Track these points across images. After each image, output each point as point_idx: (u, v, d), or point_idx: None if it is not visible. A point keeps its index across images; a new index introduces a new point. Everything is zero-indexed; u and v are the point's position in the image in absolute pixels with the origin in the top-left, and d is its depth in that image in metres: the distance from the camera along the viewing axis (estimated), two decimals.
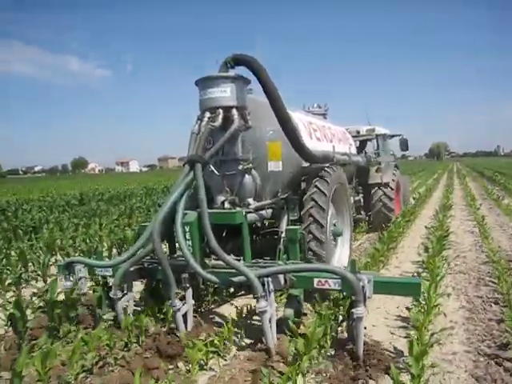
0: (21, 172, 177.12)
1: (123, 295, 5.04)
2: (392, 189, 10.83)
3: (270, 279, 4.36)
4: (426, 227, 10.46)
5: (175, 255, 5.59)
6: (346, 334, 4.56)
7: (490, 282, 6.48)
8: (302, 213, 6.14)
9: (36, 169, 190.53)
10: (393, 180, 10.94)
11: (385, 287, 4.32)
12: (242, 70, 5.70)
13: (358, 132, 12.06)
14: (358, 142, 11.87)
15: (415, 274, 6.64)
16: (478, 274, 6.97)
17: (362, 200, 10.72)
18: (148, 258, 5.29)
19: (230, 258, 4.66)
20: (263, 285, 4.28)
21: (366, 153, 12.10)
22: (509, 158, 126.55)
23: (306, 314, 5.21)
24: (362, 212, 11.07)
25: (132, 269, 5.11)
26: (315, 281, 4.42)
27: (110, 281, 5.45)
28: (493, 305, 5.55)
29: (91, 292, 5.61)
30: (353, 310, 4.00)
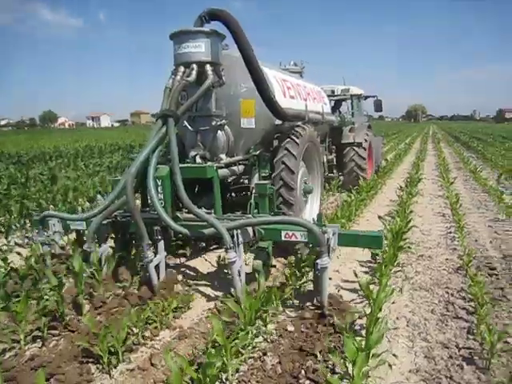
0: None
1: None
2: (365, 149, 11.01)
3: (239, 231, 4.53)
4: (380, 218, 7.12)
5: (147, 209, 5.68)
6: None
7: (463, 308, 4.42)
8: (272, 175, 6.25)
9: (2, 123, 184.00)
10: (365, 140, 11.11)
11: (348, 239, 4.55)
12: (217, 25, 5.69)
13: (333, 92, 12.13)
14: (332, 102, 11.95)
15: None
16: (447, 292, 4.84)
17: (334, 159, 10.89)
18: (121, 211, 5.40)
19: (200, 211, 4.79)
20: (233, 237, 4.45)
21: (340, 112, 12.20)
22: (485, 123, 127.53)
23: (274, 266, 5.43)
24: (335, 171, 11.26)
25: (105, 222, 5.20)
26: (283, 233, 4.62)
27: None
28: (465, 366, 3.40)
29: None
30: (318, 261, 4.18)
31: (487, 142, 29.39)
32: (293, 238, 4.59)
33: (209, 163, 5.54)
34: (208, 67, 5.64)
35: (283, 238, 4.65)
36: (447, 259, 5.99)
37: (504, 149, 22.69)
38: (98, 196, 7.04)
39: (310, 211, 7.30)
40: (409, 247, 6.09)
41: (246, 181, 6.76)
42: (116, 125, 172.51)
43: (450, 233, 7.31)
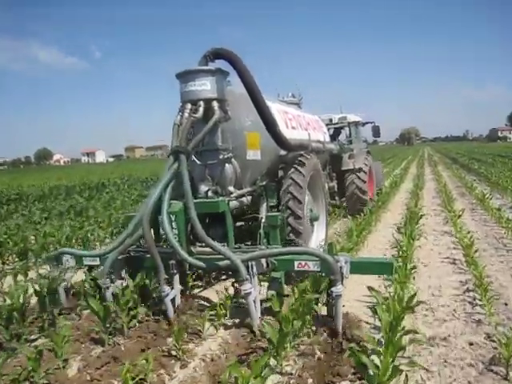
0: None
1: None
2: (365, 172, 11.19)
3: (253, 263, 4.66)
4: (370, 290, 4.70)
5: (161, 243, 5.79)
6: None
7: None
8: (280, 205, 6.41)
9: None
10: (365, 164, 11.29)
11: (360, 267, 4.67)
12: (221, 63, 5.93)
13: (331, 120, 12.38)
14: (331, 130, 12.20)
15: None
16: None
17: (335, 186, 11.07)
18: (134, 247, 5.52)
19: (217, 244, 4.92)
20: (247, 268, 4.58)
21: (339, 140, 12.43)
22: (479, 142, 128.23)
23: (287, 295, 5.52)
24: (336, 198, 11.42)
25: (120, 257, 5.31)
26: (296, 263, 4.75)
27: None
28: None
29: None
30: (332, 289, 4.31)
31: (487, 163, 27.55)
32: (306, 268, 4.72)
33: (220, 198, 5.70)
34: (214, 103, 5.87)
35: (296, 268, 4.78)
36: (471, 344, 4.11)
37: (509, 170, 20.67)
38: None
39: (316, 238, 7.43)
40: (415, 333, 4.15)
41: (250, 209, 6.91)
42: (111, 160, 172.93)
43: (468, 291, 5.53)
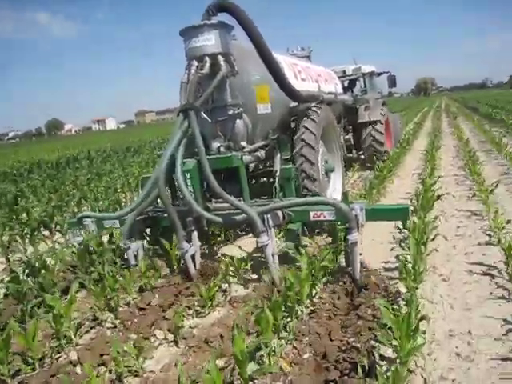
0: None
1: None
2: (382, 124, 11.02)
3: (269, 215, 4.69)
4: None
5: (177, 202, 5.86)
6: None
7: None
8: (293, 153, 6.40)
9: (10, 135, 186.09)
10: (381, 115, 11.11)
11: (376, 214, 4.66)
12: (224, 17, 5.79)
13: (345, 72, 12.11)
14: (345, 82, 11.96)
15: None
16: None
17: (352, 139, 10.96)
18: (151, 207, 5.60)
19: (233, 198, 4.95)
20: (264, 221, 4.61)
21: (353, 92, 12.20)
22: (500, 89, 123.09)
23: (306, 246, 5.57)
24: (354, 151, 11.32)
25: (138, 218, 5.40)
26: (311, 214, 4.76)
27: None
28: None
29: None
30: (348, 237, 4.32)
31: None
32: (321, 218, 4.73)
33: (233, 152, 5.70)
34: (220, 58, 5.77)
35: (312, 218, 4.79)
36: None
37: None
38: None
39: (333, 190, 7.42)
40: None
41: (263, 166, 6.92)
42: (122, 126, 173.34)
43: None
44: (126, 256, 5.33)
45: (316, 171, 6.35)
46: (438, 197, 6.28)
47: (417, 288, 3.93)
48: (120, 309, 4.46)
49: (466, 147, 11.79)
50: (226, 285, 4.83)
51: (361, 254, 4.83)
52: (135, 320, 4.16)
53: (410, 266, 4.08)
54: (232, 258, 5.11)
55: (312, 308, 4.08)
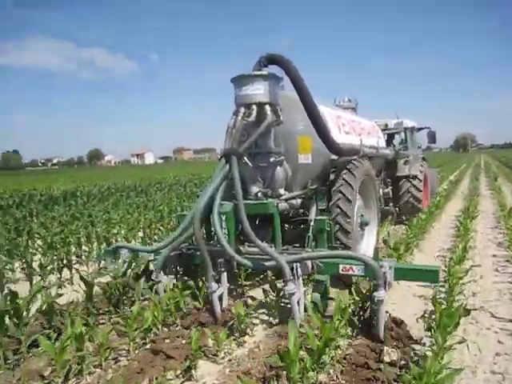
0: (40, 164, 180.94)
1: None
2: (420, 180, 10.99)
3: (298, 264, 4.76)
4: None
5: (211, 242, 6.01)
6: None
7: None
8: (330, 204, 6.47)
9: (54, 161, 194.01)
10: (420, 172, 11.09)
11: (405, 273, 4.66)
12: (274, 68, 6.07)
13: (387, 125, 12.25)
14: (386, 136, 12.07)
15: None
16: None
17: (390, 192, 10.94)
18: (185, 244, 5.78)
19: (264, 245, 5.06)
20: (292, 269, 4.68)
21: (394, 146, 12.26)
22: None
23: (332, 298, 5.56)
24: (391, 204, 11.29)
25: (172, 254, 5.57)
26: (340, 267, 4.81)
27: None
28: None
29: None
30: (374, 294, 4.33)
31: None
32: (350, 272, 4.77)
33: (270, 199, 5.85)
34: (267, 107, 6.01)
35: (341, 271, 4.83)
36: None
37: None
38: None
39: (367, 244, 7.40)
40: None
41: (301, 212, 6.99)
42: (160, 161, 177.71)
43: None
44: (155, 289, 5.47)
45: (350, 224, 6.40)
46: (468, 312, 4.45)
47: None
48: None
49: (510, 219, 9.64)
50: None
51: (386, 312, 4.81)
52: None
53: None
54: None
55: None
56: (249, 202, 5.78)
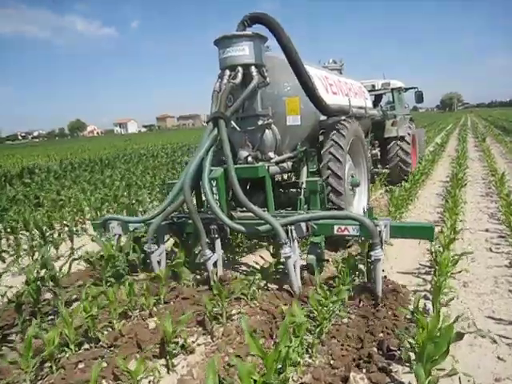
0: (20, 138, 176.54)
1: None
2: (408, 143, 10.96)
3: (293, 227, 4.69)
4: None
5: (202, 209, 5.91)
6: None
7: None
8: (320, 166, 6.39)
9: (35, 133, 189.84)
10: (408, 134, 11.05)
11: (400, 231, 4.60)
12: (258, 28, 5.86)
13: (374, 86, 12.10)
14: (373, 97, 11.94)
15: None
16: None
17: (378, 154, 10.90)
18: (176, 213, 5.66)
19: (257, 209, 4.96)
20: (287, 233, 4.61)
21: (381, 106, 12.16)
22: None
23: (328, 260, 5.55)
24: (379, 165, 11.24)
25: (163, 223, 5.46)
26: (335, 228, 4.73)
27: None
28: None
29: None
30: (371, 253, 4.30)
31: None
32: (345, 232, 4.70)
33: (260, 163, 5.74)
34: (253, 69, 5.84)
35: (336, 233, 4.76)
36: None
37: None
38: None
39: (358, 205, 7.37)
40: None
41: (293, 177, 6.91)
42: (143, 130, 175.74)
43: None
44: (148, 261, 5.39)
45: (342, 185, 6.33)
46: (461, 336, 3.22)
47: None
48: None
49: (502, 185, 8.87)
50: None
51: (383, 271, 4.80)
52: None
53: None
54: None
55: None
56: (239, 166, 5.66)
